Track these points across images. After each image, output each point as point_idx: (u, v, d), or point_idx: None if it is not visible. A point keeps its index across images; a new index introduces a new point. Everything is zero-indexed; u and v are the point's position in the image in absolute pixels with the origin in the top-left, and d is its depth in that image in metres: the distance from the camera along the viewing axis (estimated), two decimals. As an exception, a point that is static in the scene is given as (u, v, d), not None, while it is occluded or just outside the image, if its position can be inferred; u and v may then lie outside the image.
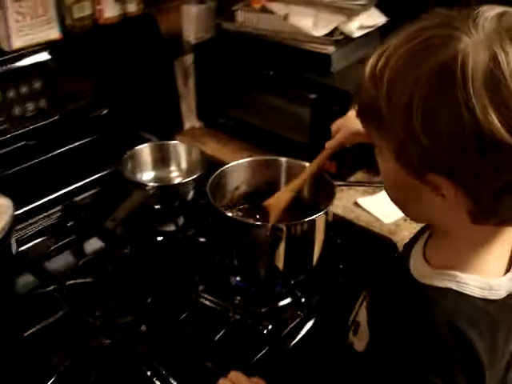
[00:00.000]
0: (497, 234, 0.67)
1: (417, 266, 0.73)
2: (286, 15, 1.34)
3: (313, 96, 1.36)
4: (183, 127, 1.64)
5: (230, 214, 1.12)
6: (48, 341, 1.00)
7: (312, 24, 1.31)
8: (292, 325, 1.05)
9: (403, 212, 0.77)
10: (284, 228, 1.04)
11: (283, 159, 1.20)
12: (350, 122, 1.05)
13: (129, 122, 1.48)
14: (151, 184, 1.26)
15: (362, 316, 0.82)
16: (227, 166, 1.18)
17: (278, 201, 1.14)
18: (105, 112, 1.43)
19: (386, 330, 0.72)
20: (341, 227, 1.25)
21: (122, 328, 1.02)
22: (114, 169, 1.35)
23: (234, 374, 0.93)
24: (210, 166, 1.30)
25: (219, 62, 1.51)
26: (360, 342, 0.82)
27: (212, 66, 1.53)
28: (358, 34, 1.33)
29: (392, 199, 0.75)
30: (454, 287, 0.66)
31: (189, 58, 1.58)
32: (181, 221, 1.32)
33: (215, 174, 1.14)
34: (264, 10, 1.40)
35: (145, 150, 1.33)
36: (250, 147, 1.56)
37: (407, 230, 1.29)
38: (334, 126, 1.11)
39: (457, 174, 0.59)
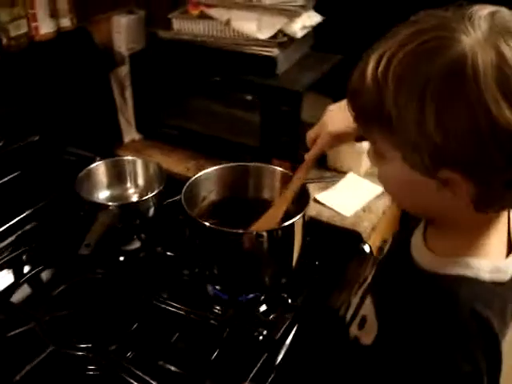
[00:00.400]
0: (496, 218, 0.72)
1: (422, 256, 0.75)
2: (227, 20, 1.34)
3: (260, 98, 1.38)
4: (123, 141, 1.59)
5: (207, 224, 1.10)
6: (41, 381, 0.95)
7: (256, 27, 1.32)
8: (283, 328, 1.06)
9: (403, 207, 0.79)
10: (266, 234, 1.05)
11: (251, 164, 1.19)
12: (329, 127, 1.03)
13: (66, 141, 1.43)
14: (114, 204, 1.22)
15: (368, 310, 0.84)
16: (198, 175, 1.16)
17: (269, 221, 1.10)
18: (36, 139, 1.36)
19: (401, 322, 0.73)
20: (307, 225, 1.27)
21: (114, 356, 0.99)
22: (56, 195, 1.32)
23: None
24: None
25: (156, 71, 1.48)
26: (367, 336, 0.83)
27: (149, 75, 1.49)
28: (300, 34, 1.36)
29: (393, 198, 0.78)
30: (468, 273, 0.69)
31: (123, 70, 1.53)
32: (143, 238, 1.29)
33: (187, 185, 1.12)
34: (202, 16, 1.39)
35: (100, 168, 1.27)
36: (195, 155, 1.55)
37: (368, 221, 1.35)
38: (312, 134, 1.06)
39: (471, 168, 0.61)
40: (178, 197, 1.10)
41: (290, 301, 1.12)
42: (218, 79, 1.38)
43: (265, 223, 1.09)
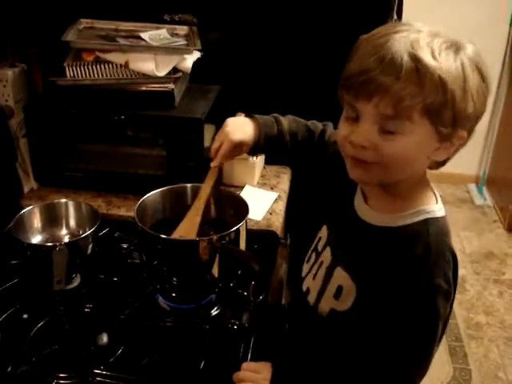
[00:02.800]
0: (425, 173, 0.97)
1: (378, 218, 0.97)
2: (126, 62, 1.47)
3: (164, 130, 1.52)
4: (23, 191, 1.60)
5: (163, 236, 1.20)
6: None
7: (154, 66, 1.46)
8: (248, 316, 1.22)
9: (392, 179, 0.93)
10: (217, 238, 1.19)
11: (188, 185, 1.32)
12: (231, 136, 1.15)
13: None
14: (62, 242, 1.27)
15: (342, 279, 1.00)
16: (144, 197, 1.26)
17: (190, 227, 1.22)
18: None
19: (381, 272, 0.92)
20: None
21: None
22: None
23: (246, 364, 1.07)
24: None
25: (55, 118, 1.53)
26: (345, 302, 0.99)
27: (47, 123, 1.54)
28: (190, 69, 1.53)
29: (392, 171, 0.91)
30: (429, 216, 0.93)
31: (14, 122, 1.55)
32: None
33: (137, 206, 1.22)
34: (98, 61, 1.49)
35: (33, 212, 1.31)
36: (101, 194, 1.62)
37: (276, 220, 1.56)
38: (217, 143, 1.18)
39: (472, 127, 0.89)
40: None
41: (245, 293, 1.27)
42: (122, 117, 1.49)
43: (186, 229, 1.22)
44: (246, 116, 1.21)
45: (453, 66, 0.82)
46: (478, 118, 0.88)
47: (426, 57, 0.81)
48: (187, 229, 1.22)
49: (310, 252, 1.15)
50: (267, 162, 1.78)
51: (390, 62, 0.81)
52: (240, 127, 1.17)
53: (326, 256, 1.07)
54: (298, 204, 1.80)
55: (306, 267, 1.14)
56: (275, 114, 1.21)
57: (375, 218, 0.98)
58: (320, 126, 1.22)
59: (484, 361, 2.40)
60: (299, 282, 1.15)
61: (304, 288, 1.12)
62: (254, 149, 1.19)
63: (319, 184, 1.23)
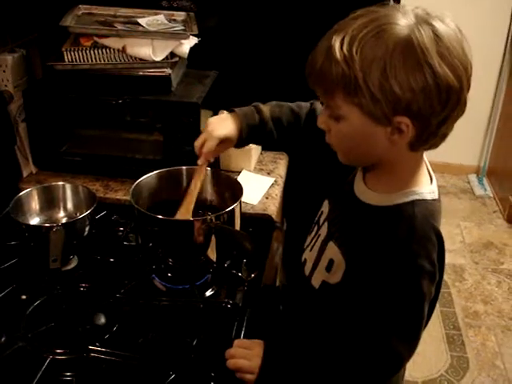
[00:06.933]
0: (420, 157, 0.98)
1: (371, 197, 0.99)
2: (123, 47, 1.48)
3: (161, 114, 1.53)
4: (22, 175, 1.62)
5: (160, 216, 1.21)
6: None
7: (151, 51, 1.48)
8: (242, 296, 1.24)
9: (351, 160, 1.00)
10: (213, 219, 1.21)
11: (184, 168, 1.34)
12: (214, 133, 1.18)
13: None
14: (59, 223, 1.29)
15: (333, 253, 1.03)
16: (140, 179, 1.28)
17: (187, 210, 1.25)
18: None
19: (366, 248, 0.95)
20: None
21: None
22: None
23: (238, 341, 1.08)
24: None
25: (54, 103, 1.55)
26: (335, 275, 1.02)
27: (46, 108, 1.56)
28: (187, 54, 1.55)
29: (344, 152, 0.98)
30: (417, 197, 0.95)
31: (14, 107, 1.57)
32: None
33: (133, 187, 1.25)
34: (95, 46, 1.51)
35: (31, 195, 1.33)
36: (98, 178, 1.64)
37: (272, 204, 1.57)
38: (199, 142, 1.20)
39: (417, 113, 0.86)
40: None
41: (240, 274, 1.29)
42: (120, 102, 1.51)
43: (185, 211, 1.24)
44: (227, 112, 1.23)
45: (370, 50, 0.84)
46: (420, 107, 0.85)
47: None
48: (186, 211, 1.24)
49: (313, 225, 1.17)
50: (264, 148, 1.80)
51: (317, 50, 0.90)
52: (221, 123, 1.20)
53: (324, 230, 1.10)
54: (296, 190, 1.81)
55: (308, 239, 1.17)
56: (256, 103, 1.23)
57: (370, 196, 1.00)
58: (306, 105, 1.24)
59: (481, 349, 2.41)
60: (301, 252, 1.17)
61: (302, 259, 1.15)
62: (240, 141, 1.21)
63: (321, 161, 1.24)
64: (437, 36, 0.84)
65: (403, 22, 0.85)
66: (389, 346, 0.94)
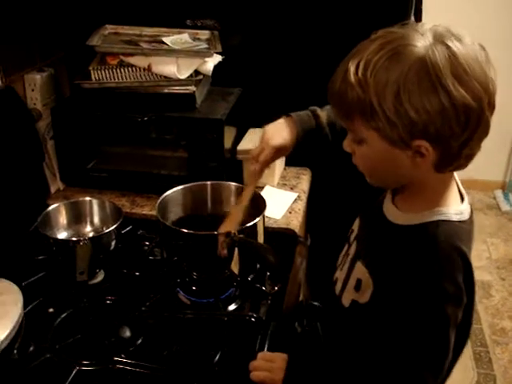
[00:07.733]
0: (449, 177, 0.96)
1: (398, 217, 0.98)
2: (149, 66, 1.51)
3: (186, 130, 1.56)
4: (50, 192, 1.66)
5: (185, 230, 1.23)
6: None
7: (176, 69, 1.51)
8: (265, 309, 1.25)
9: (378, 182, 0.99)
10: (237, 233, 1.22)
11: (208, 183, 1.37)
12: (271, 142, 1.21)
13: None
14: (86, 237, 1.31)
15: (361, 273, 1.01)
16: (165, 194, 1.31)
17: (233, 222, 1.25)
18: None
19: (393, 269, 0.93)
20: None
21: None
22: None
23: (262, 354, 1.09)
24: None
25: (81, 120, 1.59)
26: (364, 294, 0.99)
27: (73, 125, 1.59)
28: (211, 72, 1.57)
29: (370, 175, 0.98)
30: (442, 217, 0.93)
31: (42, 125, 1.61)
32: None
33: (159, 202, 1.27)
34: (121, 64, 1.54)
35: (59, 209, 1.36)
36: (125, 193, 1.67)
37: (295, 219, 1.58)
38: (257, 150, 1.22)
39: (436, 136, 0.85)
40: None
41: (263, 288, 1.30)
42: (146, 119, 1.54)
43: (228, 227, 1.23)
44: (284, 117, 1.24)
45: (384, 74, 0.84)
46: (438, 130, 0.84)
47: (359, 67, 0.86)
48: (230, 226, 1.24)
49: (345, 243, 1.16)
50: (287, 163, 1.81)
51: (336, 74, 0.91)
52: (278, 132, 1.23)
53: (353, 249, 1.09)
54: (320, 206, 1.82)
55: (340, 257, 1.16)
56: (313, 108, 1.25)
57: (396, 216, 0.99)
58: None
59: (509, 366, 2.37)
60: (332, 271, 1.16)
61: (334, 278, 1.14)
62: (296, 147, 1.23)
63: (345, 178, 1.28)
64: (453, 56, 0.83)
65: (420, 43, 0.84)
66: (412, 371, 0.91)
